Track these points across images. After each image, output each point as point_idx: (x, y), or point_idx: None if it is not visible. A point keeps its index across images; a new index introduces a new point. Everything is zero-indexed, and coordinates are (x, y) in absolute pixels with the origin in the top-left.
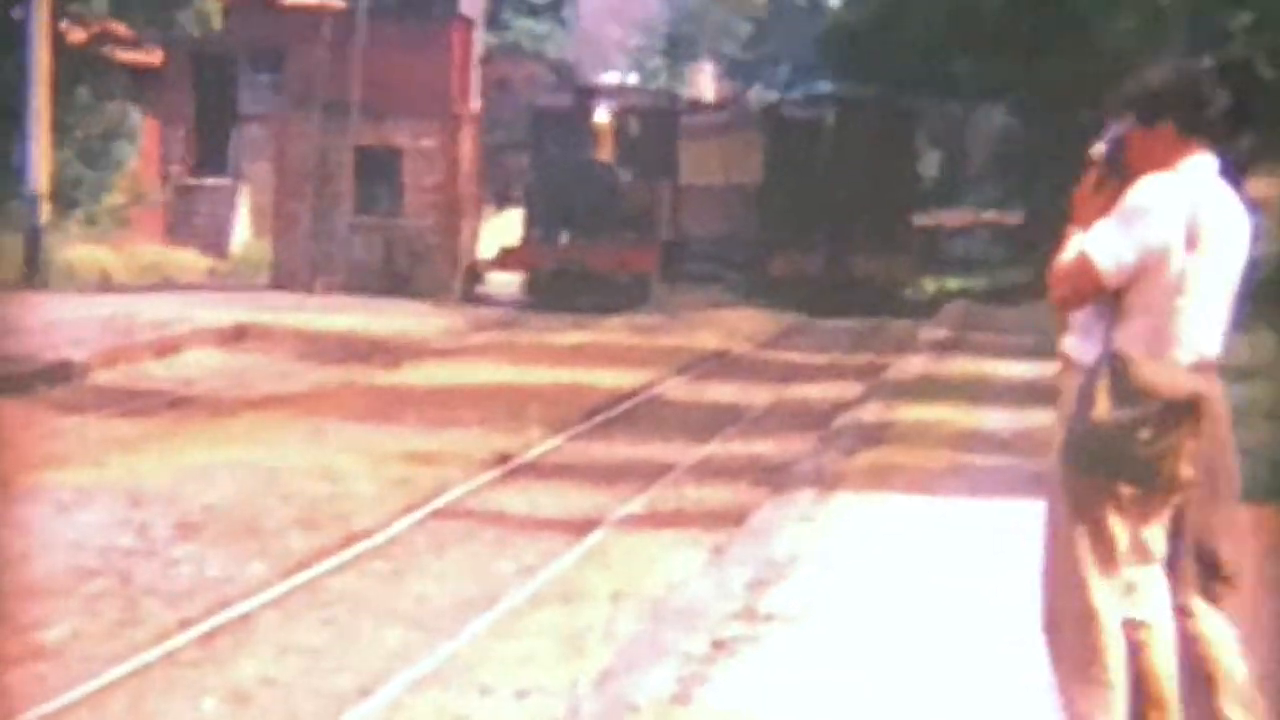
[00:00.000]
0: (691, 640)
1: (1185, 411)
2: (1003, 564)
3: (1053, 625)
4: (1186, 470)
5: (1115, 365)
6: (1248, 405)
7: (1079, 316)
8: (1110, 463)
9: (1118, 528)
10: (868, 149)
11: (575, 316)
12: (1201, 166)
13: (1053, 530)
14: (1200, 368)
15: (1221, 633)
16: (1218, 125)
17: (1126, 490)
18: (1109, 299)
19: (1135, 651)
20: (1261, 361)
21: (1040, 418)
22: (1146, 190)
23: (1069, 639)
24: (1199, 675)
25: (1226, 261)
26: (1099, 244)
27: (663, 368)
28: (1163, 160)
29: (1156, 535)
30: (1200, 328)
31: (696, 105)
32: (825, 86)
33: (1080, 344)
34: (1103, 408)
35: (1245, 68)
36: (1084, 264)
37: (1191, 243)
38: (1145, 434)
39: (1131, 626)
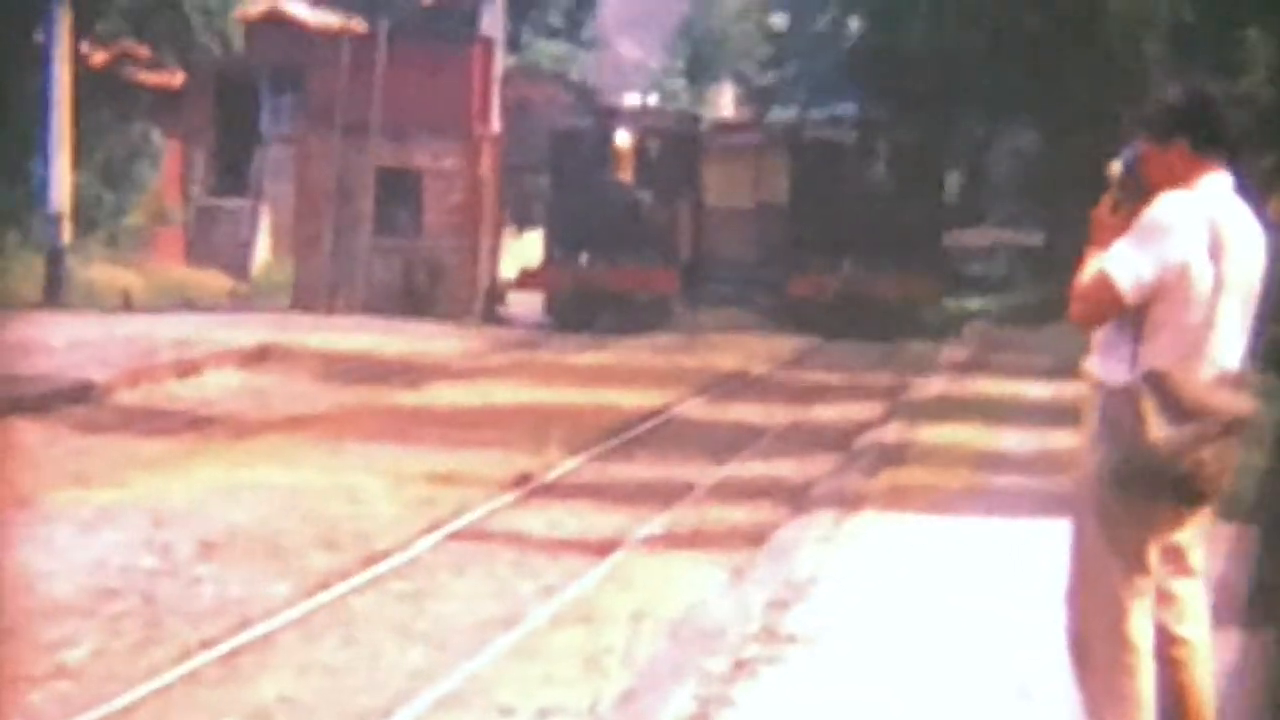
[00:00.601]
0: (712, 661)
1: (1238, 428)
2: (1023, 584)
3: (1081, 644)
4: (1229, 485)
5: (1158, 384)
6: None
7: (1100, 336)
8: (1169, 484)
9: (1150, 546)
10: (890, 169)
11: (596, 337)
12: (1217, 184)
13: (1080, 549)
14: (1222, 381)
15: (1197, 647)
16: (1231, 145)
17: (1169, 509)
18: (1132, 317)
19: (1174, 669)
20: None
21: (1060, 438)
22: (1164, 207)
23: (1099, 657)
24: (1170, 693)
25: (1245, 277)
26: (1118, 261)
27: (683, 388)
28: (1180, 178)
29: (1194, 548)
30: (1222, 342)
31: (719, 126)
32: (847, 107)
33: (1103, 363)
34: (1157, 428)
35: (1252, 99)
36: (1103, 281)
37: (1213, 258)
38: (1208, 453)
39: (1172, 642)
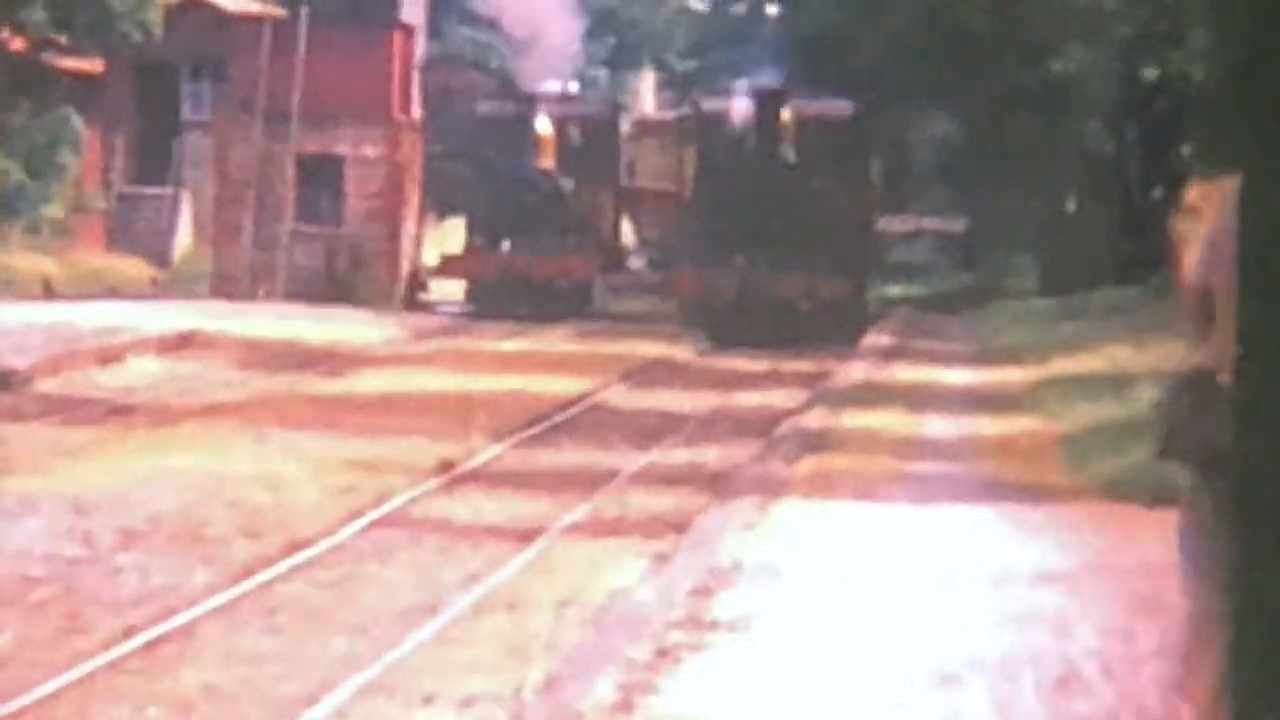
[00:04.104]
0: (635, 648)
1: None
2: (945, 570)
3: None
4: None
5: None
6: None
7: None
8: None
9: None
10: (801, 148)
11: (518, 324)
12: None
13: None
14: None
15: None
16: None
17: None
18: None
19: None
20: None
21: (982, 424)
22: None
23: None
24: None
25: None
26: None
27: (605, 375)
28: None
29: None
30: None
31: (641, 115)
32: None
33: None
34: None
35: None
36: None
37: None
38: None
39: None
